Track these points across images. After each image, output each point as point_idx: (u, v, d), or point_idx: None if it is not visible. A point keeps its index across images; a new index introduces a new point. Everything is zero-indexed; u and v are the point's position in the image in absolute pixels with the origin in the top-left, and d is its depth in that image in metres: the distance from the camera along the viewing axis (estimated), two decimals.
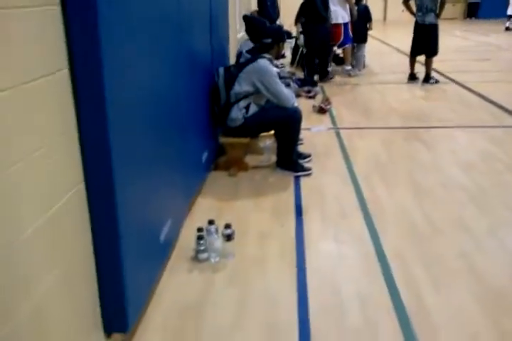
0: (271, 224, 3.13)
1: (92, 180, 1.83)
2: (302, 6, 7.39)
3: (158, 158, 2.48)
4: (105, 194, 1.85)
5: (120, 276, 1.92)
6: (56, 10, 1.62)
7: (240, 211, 3.31)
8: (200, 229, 2.69)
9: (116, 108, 1.81)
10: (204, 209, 3.34)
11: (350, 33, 7.86)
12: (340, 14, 7.55)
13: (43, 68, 1.53)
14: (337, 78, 8.02)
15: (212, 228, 2.70)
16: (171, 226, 2.63)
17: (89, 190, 1.83)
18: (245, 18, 4.64)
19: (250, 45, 4.43)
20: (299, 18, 8.23)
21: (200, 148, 3.60)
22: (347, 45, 7.95)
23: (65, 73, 1.68)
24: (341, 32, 7.66)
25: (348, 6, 7.58)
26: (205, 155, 3.69)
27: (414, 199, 3.43)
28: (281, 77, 4.16)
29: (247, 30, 4.53)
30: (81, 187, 1.80)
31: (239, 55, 4.32)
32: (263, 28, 4.02)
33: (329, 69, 7.94)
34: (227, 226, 2.75)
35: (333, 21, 7.45)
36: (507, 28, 15.01)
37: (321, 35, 7.24)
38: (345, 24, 7.72)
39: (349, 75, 8.09)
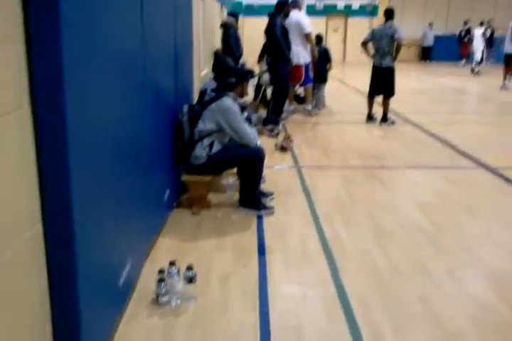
0: (233, 264, 3.09)
1: (50, 220, 1.78)
2: (266, 45, 7.57)
3: (120, 197, 2.44)
4: (63, 235, 1.80)
5: (77, 324, 1.84)
6: (20, 49, 1.61)
7: (202, 251, 3.27)
8: (161, 271, 2.63)
9: (77, 146, 1.80)
10: (165, 249, 3.28)
11: (311, 74, 8.09)
12: (301, 55, 7.77)
13: (3, 106, 1.51)
14: (298, 117, 8.21)
15: (174, 270, 2.64)
16: (130, 268, 2.56)
17: (46, 232, 1.77)
18: (216, 54, 4.72)
19: (214, 84, 4.48)
20: (261, 57, 8.46)
21: (163, 186, 3.56)
22: (308, 85, 8.16)
23: (25, 112, 1.65)
24: (302, 72, 7.87)
25: (309, 47, 7.83)
26: (167, 193, 3.66)
27: (375, 241, 3.47)
28: (243, 110, 4.21)
29: (214, 68, 4.60)
30: (38, 228, 1.74)
31: (202, 92, 4.37)
32: (228, 68, 4.08)
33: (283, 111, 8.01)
34: (189, 267, 2.70)
35: (295, 62, 7.64)
36: (472, 70, 15.75)
37: (286, 74, 7.43)
38: (307, 65, 7.96)
39: (310, 114, 8.28)
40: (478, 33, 15.72)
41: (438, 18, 21.59)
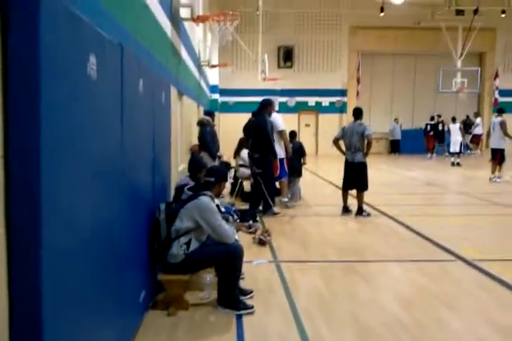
0: None
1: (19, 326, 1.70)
2: (255, 142, 7.71)
3: (94, 300, 2.35)
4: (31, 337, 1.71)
5: None
6: None
7: None
8: None
9: (51, 247, 1.79)
10: None
11: (286, 168, 8.32)
12: (277, 150, 8.06)
13: None
14: (274, 210, 8.25)
15: None
16: None
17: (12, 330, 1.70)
18: (192, 155, 4.91)
19: (189, 180, 4.57)
20: (238, 152, 8.72)
21: (139, 287, 3.45)
22: (283, 179, 8.37)
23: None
24: (278, 166, 8.11)
25: (282, 144, 8.13)
26: (142, 294, 3.53)
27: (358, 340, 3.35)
28: (221, 211, 4.23)
29: (189, 168, 4.73)
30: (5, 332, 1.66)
31: (178, 188, 4.42)
32: (208, 168, 4.19)
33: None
34: None
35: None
36: (453, 164, 16.46)
37: (272, 168, 7.70)
38: (281, 159, 8.24)
39: (286, 206, 8.37)
40: (455, 127, 16.66)
41: (404, 113, 22.90)
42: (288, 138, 8.27)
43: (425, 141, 20.57)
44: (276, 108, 16.08)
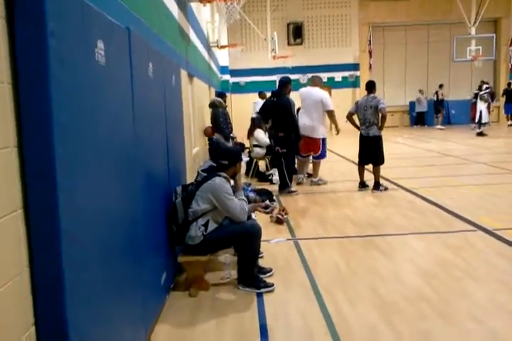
0: None
1: (43, 321, 1.75)
2: (277, 121, 7.69)
3: (116, 285, 2.40)
4: (57, 324, 1.78)
5: None
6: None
7: (202, 337, 3.15)
8: None
9: (70, 234, 1.82)
10: (164, 336, 3.16)
11: (326, 148, 8.50)
12: (320, 130, 8.25)
13: None
14: (291, 188, 8.25)
15: None
16: None
17: (38, 321, 1.77)
18: (210, 140, 4.88)
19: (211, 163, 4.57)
20: (251, 132, 8.71)
21: (159, 270, 3.51)
22: (320, 159, 8.46)
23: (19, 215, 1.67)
24: (320, 146, 8.32)
25: (327, 123, 8.26)
26: (163, 277, 3.59)
27: (380, 315, 3.37)
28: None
29: (210, 151, 4.72)
30: (32, 330, 1.71)
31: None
32: (222, 150, 4.18)
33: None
34: None
35: (313, 136, 8.19)
36: (479, 134, 16.20)
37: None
38: (323, 139, 8.38)
39: (318, 184, 8.40)
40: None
41: (418, 85, 22.52)
42: (335, 118, 8.28)
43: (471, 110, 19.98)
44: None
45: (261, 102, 11.08)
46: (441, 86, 20.11)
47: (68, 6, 1.92)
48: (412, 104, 22.29)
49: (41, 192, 1.74)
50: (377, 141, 7.58)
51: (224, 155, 4.03)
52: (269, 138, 7.99)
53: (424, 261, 4.49)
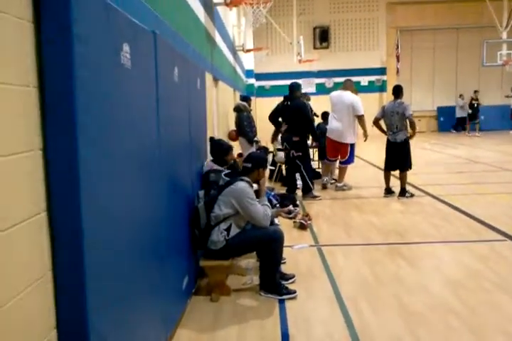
0: None
1: (65, 325, 1.74)
2: (294, 125, 7.66)
3: (138, 288, 2.39)
4: (79, 327, 1.77)
5: None
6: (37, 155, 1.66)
7: None
8: None
9: (93, 236, 1.82)
10: None
11: (354, 154, 8.47)
12: (348, 135, 8.20)
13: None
14: (314, 193, 8.18)
15: None
16: None
17: (59, 322, 1.77)
18: (211, 140, 4.88)
19: (212, 164, 4.56)
20: (275, 136, 8.66)
21: (181, 273, 3.49)
22: (348, 165, 8.41)
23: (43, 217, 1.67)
24: (348, 150, 8.27)
25: (357, 128, 8.26)
26: (185, 281, 3.57)
27: (405, 326, 3.28)
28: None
29: (212, 152, 4.73)
30: (53, 334, 1.70)
31: (205, 174, 4.41)
32: (229, 150, 4.27)
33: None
34: None
35: (340, 140, 8.18)
36: None
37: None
38: (352, 145, 8.32)
39: (343, 190, 8.32)
40: None
41: (446, 90, 22.21)
42: (365, 123, 8.24)
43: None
44: (314, 89, 15.95)
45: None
46: (476, 91, 19.68)
47: (94, 10, 1.91)
48: (441, 110, 21.94)
49: (65, 194, 1.73)
50: (405, 145, 7.44)
51: (250, 158, 4.00)
52: (283, 141, 7.93)
53: (452, 270, 4.37)
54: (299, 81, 8.50)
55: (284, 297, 3.78)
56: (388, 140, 7.59)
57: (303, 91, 8.99)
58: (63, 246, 1.75)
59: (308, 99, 11.08)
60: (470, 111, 18.82)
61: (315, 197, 7.70)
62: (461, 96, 20.85)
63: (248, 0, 9.43)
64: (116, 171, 2.12)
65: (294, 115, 7.64)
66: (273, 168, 9.07)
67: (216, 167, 4.50)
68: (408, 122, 7.36)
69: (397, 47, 21.43)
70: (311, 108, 8.48)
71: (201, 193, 3.93)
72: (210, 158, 4.80)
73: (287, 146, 7.75)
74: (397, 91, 7.50)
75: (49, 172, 1.72)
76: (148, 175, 2.65)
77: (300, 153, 7.62)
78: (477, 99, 19.34)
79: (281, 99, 8.11)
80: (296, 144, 7.63)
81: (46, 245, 1.70)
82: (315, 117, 9.14)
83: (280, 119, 8.03)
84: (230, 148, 4.81)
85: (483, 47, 19.94)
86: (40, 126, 1.69)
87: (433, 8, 20.79)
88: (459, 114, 20.91)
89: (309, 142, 8.25)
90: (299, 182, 7.96)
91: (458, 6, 20.69)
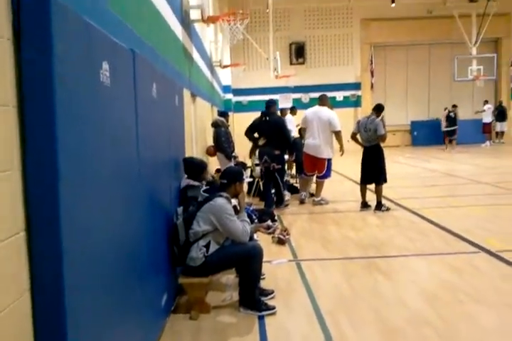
0: None
1: (43, 327, 1.75)
2: (273, 140, 7.91)
3: (116, 306, 2.37)
4: None
5: None
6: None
7: None
8: None
9: (71, 253, 1.81)
10: None
11: (331, 168, 8.57)
12: (325, 150, 8.28)
13: None
14: (292, 208, 8.25)
15: None
16: None
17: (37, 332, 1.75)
18: (184, 160, 4.82)
19: (190, 181, 4.54)
20: (253, 151, 8.72)
21: (160, 291, 3.47)
22: (325, 179, 8.49)
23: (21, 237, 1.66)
24: (325, 166, 8.34)
25: (333, 143, 8.37)
26: (164, 299, 3.55)
27: (383, 340, 3.31)
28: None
29: (188, 170, 4.68)
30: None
31: (181, 190, 4.40)
32: (204, 168, 4.41)
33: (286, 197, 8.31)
34: None
35: (318, 156, 8.26)
36: None
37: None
38: (329, 159, 8.41)
39: (321, 204, 8.38)
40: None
41: (419, 104, 22.67)
42: (342, 138, 8.38)
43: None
44: (291, 104, 16.10)
45: (292, 119, 11.33)
46: (455, 106, 19.74)
47: (74, 29, 1.94)
48: (414, 124, 22.29)
49: (44, 214, 1.72)
50: (378, 149, 7.59)
51: (225, 173, 4.03)
52: (262, 155, 8.03)
53: (427, 283, 4.44)
54: (276, 96, 8.71)
55: (264, 313, 3.78)
56: (364, 149, 7.74)
57: (282, 106, 9.17)
58: (42, 266, 1.73)
59: (295, 113, 11.52)
60: (452, 128, 18.71)
61: (287, 205, 8.18)
62: (446, 109, 20.78)
63: (225, 17, 9.54)
64: (96, 189, 2.12)
65: (273, 130, 7.91)
66: (251, 179, 9.10)
67: (193, 183, 4.49)
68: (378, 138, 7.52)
69: (371, 63, 21.84)
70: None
71: (180, 210, 3.93)
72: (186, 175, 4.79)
73: (268, 160, 7.88)
74: (377, 108, 7.72)
75: (28, 192, 1.71)
76: (127, 192, 2.65)
77: (280, 166, 7.94)
78: (455, 114, 19.22)
79: (258, 114, 8.23)
80: (276, 157, 7.89)
81: (25, 265, 1.69)
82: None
83: (256, 134, 8.18)
84: (204, 166, 4.78)
85: (454, 63, 20.49)
86: (20, 145, 1.69)
87: (405, 25, 21.29)
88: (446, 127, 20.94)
89: (286, 156, 8.37)
90: (287, 198, 8.20)
91: (429, 23, 21.23)
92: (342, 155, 8.45)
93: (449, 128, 17.94)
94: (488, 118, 20.38)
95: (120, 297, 2.45)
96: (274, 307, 3.84)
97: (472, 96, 22.63)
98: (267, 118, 8.02)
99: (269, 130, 7.94)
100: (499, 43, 22.50)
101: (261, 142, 8.07)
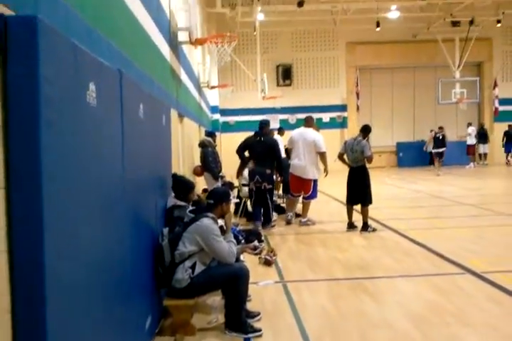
0: None
1: None
2: (265, 160, 8.05)
3: (99, 328, 2.32)
4: None
5: None
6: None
7: None
8: None
9: (54, 274, 1.78)
10: None
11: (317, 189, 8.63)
12: (311, 171, 8.35)
13: None
14: (279, 228, 8.23)
15: None
16: None
17: None
18: (174, 176, 4.86)
19: (176, 201, 4.53)
20: (241, 171, 8.73)
21: (144, 313, 3.41)
22: (312, 200, 8.51)
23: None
24: (311, 186, 8.39)
25: (320, 165, 8.46)
26: (148, 321, 3.49)
27: None
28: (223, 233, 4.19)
29: (175, 189, 4.68)
30: None
31: (168, 210, 4.38)
32: (192, 188, 4.37)
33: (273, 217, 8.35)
34: None
35: (303, 177, 8.31)
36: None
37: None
38: (315, 180, 8.46)
39: (307, 225, 8.37)
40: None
41: (404, 126, 22.97)
42: (326, 159, 8.48)
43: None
44: (278, 125, 16.24)
45: (280, 139, 11.45)
46: (441, 128, 19.66)
47: (61, 51, 1.95)
48: (400, 145, 22.51)
49: (27, 235, 1.70)
50: (364, 170, 7.65)
51: (211, 194, 4.03)
52: (253, 175, 8.07)
53: (414, 304, 4.43)
54: (263, 117, 8.78)
55: (250, 335, 3.74)
56: (350, 169, 7.79)
57: (271, 127, 9.26)
58: (24, 287, 1.70)
59: (283, 134, 11.70)
60: (441, 150, 18.46)
61: (273, 225, 8.23)
62: (431, 131, 20.68)
63: (213, 39, 9.66)
64: (80, 209, 2.10)
65: (266, 150, 8.05)
66: (237, 200, 9.08)
67: (179, 203, 4.48)
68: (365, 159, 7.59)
69: (357, 85, 22.16)
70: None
71: (165, 231, 3.90)
72: (173, 193, 4.77)
73: (259, 179, 7.92)
74: (364, 130, 7.84)
75: (11, 211, 1.69)
76: (112, 212, 2.63)
77: (271, 186, 8.07)
78: (443, 136, 19.01)
79: (246, 134, 8.37)
80: (268, 177, 8.03)
81: (6, 287, 1.66)
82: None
83: (247, 153, 8.24)
84: (192, 187, 4.81)
85: (438, 86, 20.88)
86: (3, 165, 1.68)
87: (390, 48, 21.72)
88: (432, 148, 20.74)
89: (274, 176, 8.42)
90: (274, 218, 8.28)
91: (413, 47, 21.70)
92: (326, 175, 8.49)
93: (438, 150, 18.06)
94: (472, 140, 20.70)
95: (103, 319, 2.41)
96: (260, 330, 3.80)
97: (456, 119, 23.01)
98: (262, 138, 8.16)
99: (263, 150, 8.06)
100: (482, 67, 23.03)
101: (251, 164, 8.19)
